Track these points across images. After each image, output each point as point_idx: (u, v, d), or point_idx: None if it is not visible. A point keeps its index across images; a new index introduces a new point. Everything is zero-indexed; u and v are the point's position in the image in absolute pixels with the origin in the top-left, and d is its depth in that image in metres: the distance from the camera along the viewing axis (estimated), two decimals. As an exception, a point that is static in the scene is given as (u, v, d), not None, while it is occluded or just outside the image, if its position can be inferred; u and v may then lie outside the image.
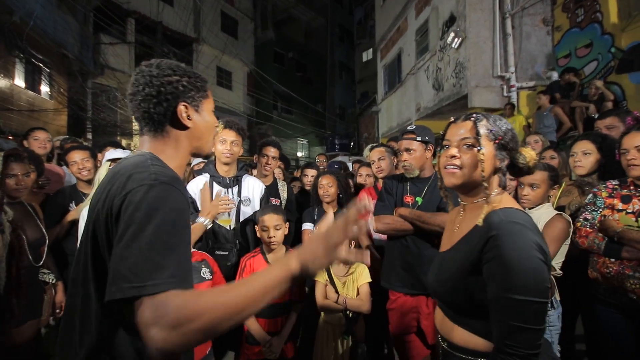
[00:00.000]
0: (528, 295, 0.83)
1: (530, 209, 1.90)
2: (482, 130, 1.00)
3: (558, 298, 1.79)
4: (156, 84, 0.87)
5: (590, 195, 1.86)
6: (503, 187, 1.04)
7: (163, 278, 0.67)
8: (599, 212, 1.76)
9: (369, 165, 2.86)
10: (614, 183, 1.79)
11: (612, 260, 1.67)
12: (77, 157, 2.39)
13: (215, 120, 1.02)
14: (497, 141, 1.00)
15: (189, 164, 3.44)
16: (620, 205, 1.70)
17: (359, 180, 3.05)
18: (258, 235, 2.06)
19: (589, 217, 1.79)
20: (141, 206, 0.72)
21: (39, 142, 3.00)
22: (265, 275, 0.71)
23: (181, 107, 0.89)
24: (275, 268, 0.72)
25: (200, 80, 0.96)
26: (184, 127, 0.92)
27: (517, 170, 1.06)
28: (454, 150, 1.02)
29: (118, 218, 0.73)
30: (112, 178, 0.82)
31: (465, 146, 1.01)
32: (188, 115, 0.91)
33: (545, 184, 1.84)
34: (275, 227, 1.97)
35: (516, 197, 1.97)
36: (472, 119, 1.03)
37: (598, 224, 1.74)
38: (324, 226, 0.78)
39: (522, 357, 0.83)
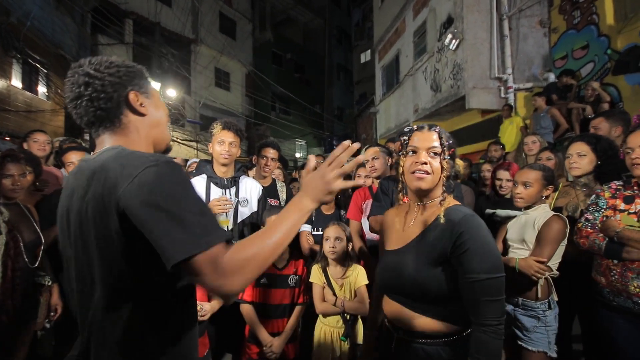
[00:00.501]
0: (495, 273, 1.02)
1: (526, 208, 1.91)
2: (445, 142, 1.15)
3: (556, 299, 1.79)
4: (98, 80, 0.84)
5: (594, 196, 1.83)
6: (448, 189, 1.19)
7: (211, 235, 0.72)
8: (600, 212, 1.74)
9: (364, 166, 2.86)
10: (617, 184, 1.76)
11: (615, 262, 1.63)
12: (74, 157, 2.39)
13: (166, 108, 1.01)
14: (451, 151, 1.16)
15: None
16: (622, 206, 1.68)
17: (358, 181, 3.05)
18: None
19: (590, 218, 1.77)
20: (159, 183, 0.72)
21: (39, 144, 2.99)
22: (290, 218, 0.81)
23: (132, 95, 0.88)
24: (295, 211, 0.82)
25: (138, 69, 0.94)
26: (141, 114, 0.91)
27: (454, 175, 1.25)
28: (424, 157, 1.14)
29: (136, 200, 0.71)
30: (92, 175, 0.79)
31: (433, 154, 1.14)
32: (141, 103, 0.90)
33: (539, 183, 1.85)
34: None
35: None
36: (437, 130, 1.17)
37: (599, 225, 1.71)
38: (312, 164, 0.90)
39: (500, 323, 1.01)
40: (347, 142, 0.85)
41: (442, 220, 1.10)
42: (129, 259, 0.78)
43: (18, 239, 1.86)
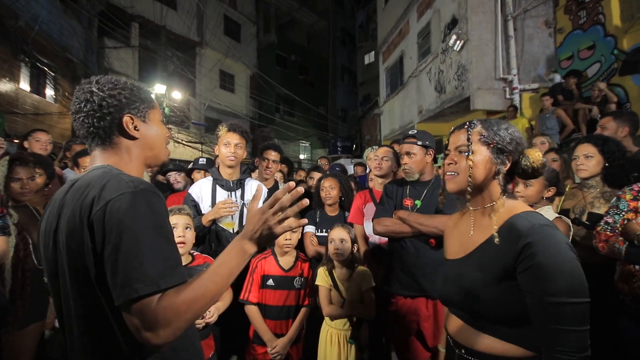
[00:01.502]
0: (572, 297, 0.84)
1: None
2: (474, 137, 1.03)
3: None
4: (97, 99, 0.88)
5: (614, 198, 1.76)
6: (504, 190, 1.04)
7: (147, 282, 0.71)
8: (621, 215, 1.67)
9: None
10: None
11: (637, 267, 1.58)
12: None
13: (166, 130, 1.04)
14: (491, 145, 1.02)
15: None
16: None
17: (370, 184, 3.03)
18: None
19: (610, 221, 1.70)
20: (127, 212, 0.74)
21: (41, 144, 3.00)
22: (229, 262, 0.81)
23: (126, 119, 0.91)
24: (235, 255, 0.82)
25: (144, 92, 0.97)
26: (132, 138, 0.93)
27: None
28: (451, 157, 1.06)
29: (102, 228, 0.74)
30: (76, 192, 0.81)
31: (460, 153, 1.05)
32: (135, 126, 0.93)
33: (539, 183, 1.83)
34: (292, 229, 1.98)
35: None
36: (465, 126, 1.06)
37: (620, 228, 1.64)
38: (254, 204, 0.88)
39: None
40: (291, 184, 0.85)
41: (495, 230, 0.97)
42: (100, 273, 0.77)
43: (28, 240, 1.89)
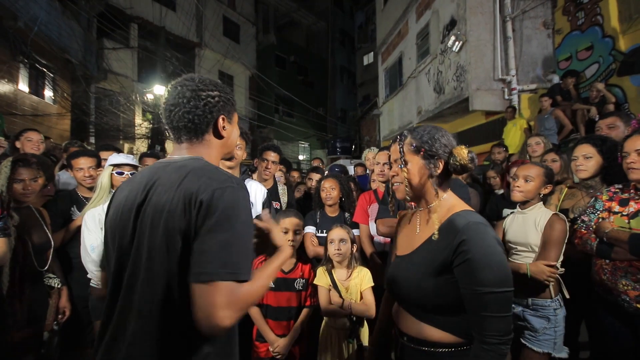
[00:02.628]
0: (500, 286, 0.94)
1: (523, 208, 1.93)
2: (406, 148, 1.13)
3: (567, 296, 1.78)
4: (202, 97, 0.97)
5: (593, 198, 1.88)
6: (436, 191, 1.12)
7: (238, 270, 0.81)
8: (596, 214, 1.80)
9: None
10: (617, 187, 1.81)
11: (607, 262, 1.70)
12: (84, 163, 2.35)
13: (238, 129, 1.15)
14: (421, 152, 1.11)
15: None
16: (617, 208, 1.73)
17: (373, 185, 3.03)
18: None
19: (586, 219, 1.83)
20: (233, 204, 0.84)
21: (33, 144, 2.95)
22: (275, 264, 1.02)
23: (220, 120, 1.01)
24: (279, 259, 1.04)
25: (232, 97, 1.07)
26: (220, 137, 1.04)
27: (455, 170, 1.11)
28: (394, 169, 1.17)
29: (207, 210, 0.82)
30: (174, 174, 0.90)
31: (398, 165, 1.15)
32: (224, 127, 1.03)
33: (539, 179, 1.86)
34: (295, 231, 2.00)
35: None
36: (397, 140, 1.16)
37: (594, 226, 1.77)
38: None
39: (504, 343, 0.94)
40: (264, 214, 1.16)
41: (436, 228, 1.06)
42: (185, 250, 0.84)
43: (27, 242, 1.88)
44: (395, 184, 1.16)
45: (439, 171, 1.10)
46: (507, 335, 0.94)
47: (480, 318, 0.95)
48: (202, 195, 0.83)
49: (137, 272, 0.87)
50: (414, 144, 1.11)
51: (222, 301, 0.77)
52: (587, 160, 2.04)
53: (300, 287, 2.06)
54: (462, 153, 1.07)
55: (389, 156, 2.45)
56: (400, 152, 1.13)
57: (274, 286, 2.02)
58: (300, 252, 2.20)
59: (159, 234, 0.85)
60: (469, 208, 1.10)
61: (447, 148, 1.10)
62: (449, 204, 1.10)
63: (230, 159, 1.27)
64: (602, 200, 1.81)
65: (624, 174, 1.74)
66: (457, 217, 1.04)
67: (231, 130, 1.07)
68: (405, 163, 1.12)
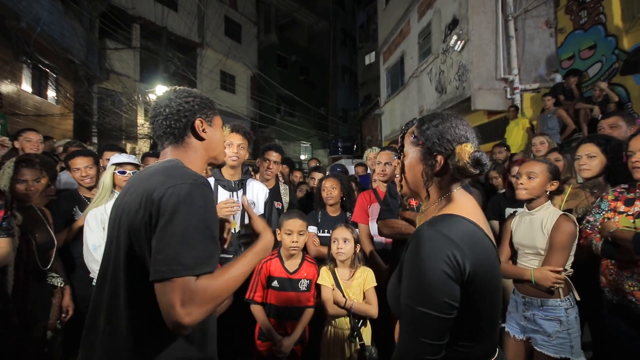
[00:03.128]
0: (422, 305, 0.78)
1: (530, 208, 1.88)
2: (407, 138, 1.00)
3: (578, 298, 1.75)
4: (175, 104, 1.04)
5: (598, 198, 1.86)
6: (441, 190, 0.96)
7: (192, 264, 0.81)
8: (601, 214, 1.78)
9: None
10: (622, 187, 1.78)
11: (613, 262, 1.68)
12: (81, 163, 2.35)
13: (223, 135, 1.19)
14: (419, 146, 0.95)
15: None
16: (622, 208, 1.70)
17: (374, 185, 3.02)
18: (279, 238, 2.07)
19: (592, 220, 1.81)
20: (184, 199, 0.85)
21: (32, 144, 2.93)
22: (254, 250, 1.04)
23: (198, 122, 1.07)
24: (258, 246, 1.06)
25: (210, 102, 1.13)
26: (201, 139, 1.08)
27: (453, 171, 0.91)
28: (391, 160, 1.08)
29: (159, 208, 0.85)
30: (145, 178, 0.95)
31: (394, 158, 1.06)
32: (203, 129, 1.08)
33: (544, 175, 1.81)
34: (299, 232, 2.00)
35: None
36: (404, 128, 1.02)
37: (599, 226, 1.74)
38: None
39: None
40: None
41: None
42: (146, 254, 0.87)
43: (31, 241, 1.89)
44: (396, 176, 1.05)
45: (436, 169, 0.92)
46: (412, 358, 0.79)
47: (401, 330, 0.85)
48: (156, 193, 0.86)
49: (107, 272, 0.93)
50: (415, 135, 0.97)
51: (179, 298, 0.78)
52: (590, 159, 2.02)
53: (305, 288, 2.06)
54: (464, 153, 0.87)
55: (390, 155, 2.44)
56: (401, 141, 1.02)
57: (278, 286, 2.03)
58: (305, 253, 2.20)
59: (122, 234, 0.91)
60: (465, 214, 0.89)
61: (451, 144, 0.91)
62: (444, 205, 0.93)
63: (220, 165, 1.26)
64: (608, 200, 1.79)
65: (628, 173, 1.73)
66: (429, 221, 0.89)
67: (213, 133, 1.11)
68: (403, 154, 1.00)
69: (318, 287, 2.07)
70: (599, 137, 2.11)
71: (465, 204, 0.93)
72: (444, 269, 0.77)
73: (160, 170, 0.94)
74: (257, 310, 2.01)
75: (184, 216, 0.83)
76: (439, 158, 0.91)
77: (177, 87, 1.10)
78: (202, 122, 1.07)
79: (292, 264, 2.08)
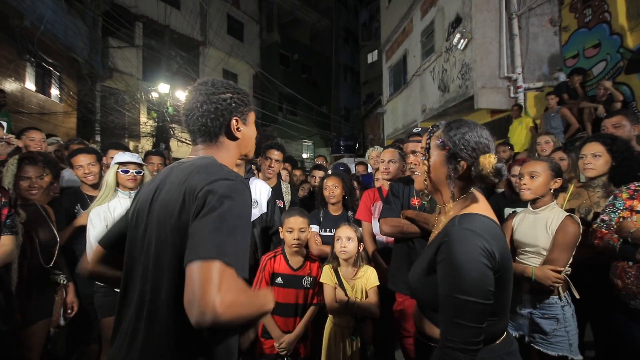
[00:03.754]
0: (469, 295, 0.89)
1: (535, 208, 1.87)
2: (433, 141, 1.09)
3: (577, 296, 1.74)
4: (214, 101, 1.00)
5: (611, 197, 1.81)
6: (452, 194, 1.07)
7: (233, 256, 0.80)
8: (617, 213, 1.72)
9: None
10: (637, 184, 1.73)
11: (631, 264, 1.62)
12: (83, 161, 2.36)
13: (256, 130, 1.14)
14: (444, 150, 1.05)
15: None
16: (639, 207, 1.65)
17: (377, 184, 3.02)
18: (281, 236, 2.10)
19: (606, 219, 1.75)
20: (228, 194, 0.84)
21: (35, 143, 2.94)
22: (265, 300, 0.91)
23: (233, 121, 1.04)
24: (269, 300, 0.92)
25: (246, 96, 1.09)
26: (234, 138, 1.06)
27: (474, 178, 1.03)
28: (412, 158, 1.15)
29: (204, 203, 0.83)
30: (181, 172, 0.93)
31: (421, 155, 1.14)
32: (238, 128, 1.05)
33: (546, 173, 1.80)
34: (300, 229, 2.01)
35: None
36: (428, 131, 1.12)
37: (615, 226, 1.69)
38: None
39: (460, 351, 0.90)
40: None
41: (441, 227, 1.07)
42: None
43: (34, 239, 1.91)
44: (415, 173, 1.15)
45: (459, 174, 1.04)
46: (466, 345, 0.90)
47: (444, 320, 0.94)
48: (199, 189, 0.85)
49: (147, 268, 0.89)
50: (441, 139, 1.06)
51: (218, 279, 0.73)
52: (595, 158, 2.00)
53: (308, 285, 2.07)
54: (487, 163, 0.98)
55: (394, 153, 2.44)
56: (427, 143, 1.11)
57: (282, 282, 2.04)
58: (308, 250, 2.21)
59: (165, 230, 0.87)
60: (484, 212, 1.02)
61: (475, 153, 1.01)
62: (465, 205, 1.05)
63: (251, 160, 1.25)
64: (622, 199, 1.73)
65: (633, 173, 1.71)
66: (457, 219, 1.01)
67: (246, 131, 1.08)
68: (429, 156, 1.09)
69: (322, 285, 2.07)
70: (604, 136, 2.09)
71: (482, 204, 1.06)
72: (483, 260, 0.91)
73: (199, 168, 0.92)
74: None
75: (228, 209, 0.82)
76: (462, 164, 1.03)
77: (215, 80, 1.05)
78: (237, 121, 1.04)
79: (296, 261, 2.10)
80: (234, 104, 1.03)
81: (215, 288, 0.72)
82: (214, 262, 0.75)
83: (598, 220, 1.78)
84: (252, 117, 1.11)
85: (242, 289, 0.80)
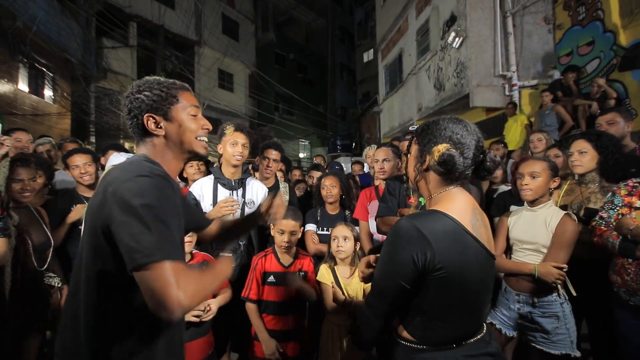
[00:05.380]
0: (386, 280, 1.00)
1: (532, 206, 1.88)
2: (416, 138, 1.09)
3: (574, 293, 1.73)
4: (127, 104, 1.01)
5: (610, 193, 1.81)
6: (435, 190, 1.04)
7: (175, 251, 0.82)
8: (615, 210, 1.72)
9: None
10: (635, 181, 1.73)
11: (630, 261, 1.62)
12: (79, 161, 2.36)
13: (199, 124, 1.07)
14: (417, 145, 1.06)
15: None
16: (638, 203, 1.65)
17: (376, 183, 3.01)
18: (272, 233, 2.11)
19: (605, 216, 1.75)
20: (142, 190, 0.83)
21: (22, 144, 2.91)
22: (223, 271, 0.98)
23: (145, 119, 1.00)
24: (225, 269, 0.99)
25: (166, 89, 1.02)
26: (156, 135, 1.02)
27: (434, 170, 1.02)
28: (388, 156, 1.15)
29: (113, 200, 0.83)
30: (107, 174, 0.94)
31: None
32: (158, 124, 1.01)
33: (546, 173, 1.81)
34: (291, 232, 2.01)
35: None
36: (416, 128, 1.14)
37: (614, 223, 1.69)
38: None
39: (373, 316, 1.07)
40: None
41: None
42: (109, 254, 0.86)
43: (27, 242, 1.88)
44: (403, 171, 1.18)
45: (423, 166, 1.03)
46: (371, 308, 1.07)
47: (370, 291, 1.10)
48: (111, 187, 0.85)
49: (78, 272, 0.93)
50: (414, 135, 1.10)
51: (173, 278, 0.76)
52: (581, 155, 2.01)
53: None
54: (435, 152, 0.97)
55: (387, 152, 2.45)
56: (410, 139, 1.14)
57: (275, 281, 2.04)
58: (297, 246, 2.21)
59: (86, 231, 0.91)
60: (450, 212, 0.96)
61: (433, 144, 1.00)
62: (437, 202, 1.02)
63: (201, 157, 1.19)
64: (621, 195, 1.73)
65: (621, 167, 1.72)
66: (411, 214, 1.02)
67: (171, 125, 1.02)
68: (410, 153, 1.12)
69: (317, 284, 2.07)
70: (590, 133, 2.11)
71: (455, 203, 1.00)
72: (408, 258, 0.92)
73: (119, 166, 0.93)
74: (250, 309, 2.02)
75: (134, 207, 0.80)
76: (427, 157, 1.02)
77: (140, 80, 1.04)
78: (153, 118, 1.00)
79: (286, 258, 2.11)
80: (147, 102, 0.99)
81: (174, 287, 0.75)
82: (161, 264, 0.76)
83: (597, 218, 1.78)
84: (178, 109, 1.02)
85: (196, 276, 0.83)
